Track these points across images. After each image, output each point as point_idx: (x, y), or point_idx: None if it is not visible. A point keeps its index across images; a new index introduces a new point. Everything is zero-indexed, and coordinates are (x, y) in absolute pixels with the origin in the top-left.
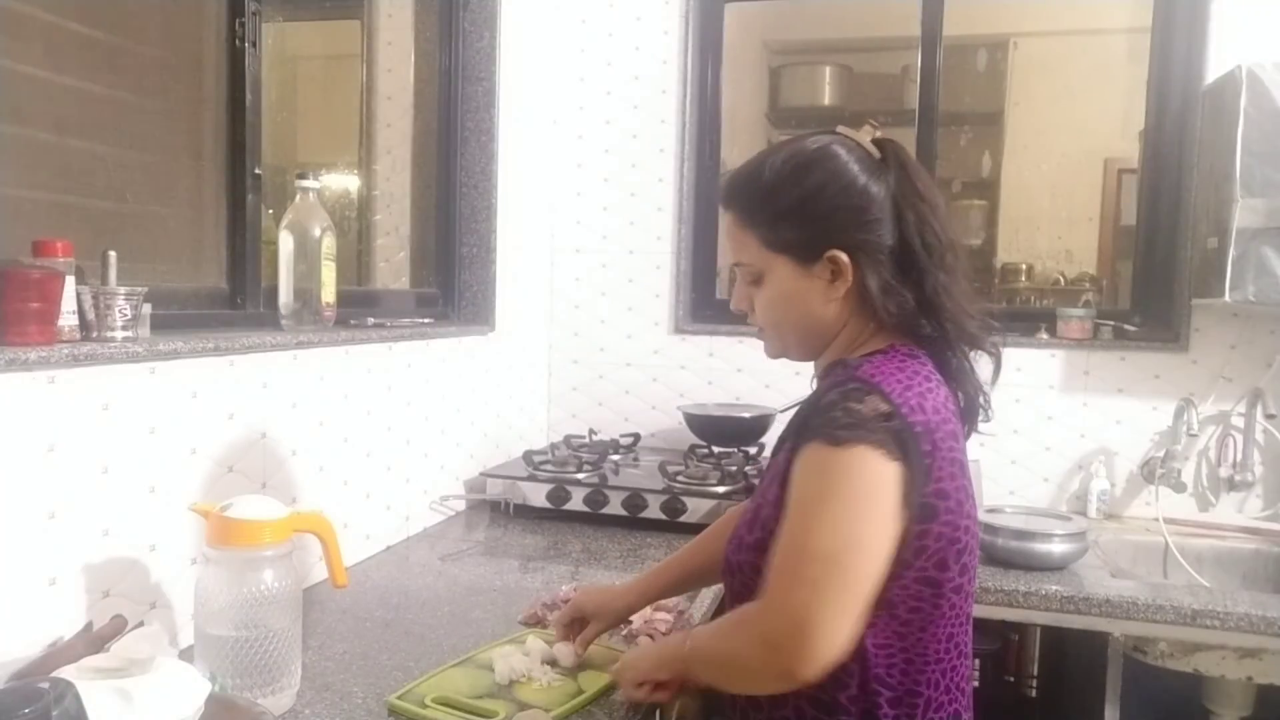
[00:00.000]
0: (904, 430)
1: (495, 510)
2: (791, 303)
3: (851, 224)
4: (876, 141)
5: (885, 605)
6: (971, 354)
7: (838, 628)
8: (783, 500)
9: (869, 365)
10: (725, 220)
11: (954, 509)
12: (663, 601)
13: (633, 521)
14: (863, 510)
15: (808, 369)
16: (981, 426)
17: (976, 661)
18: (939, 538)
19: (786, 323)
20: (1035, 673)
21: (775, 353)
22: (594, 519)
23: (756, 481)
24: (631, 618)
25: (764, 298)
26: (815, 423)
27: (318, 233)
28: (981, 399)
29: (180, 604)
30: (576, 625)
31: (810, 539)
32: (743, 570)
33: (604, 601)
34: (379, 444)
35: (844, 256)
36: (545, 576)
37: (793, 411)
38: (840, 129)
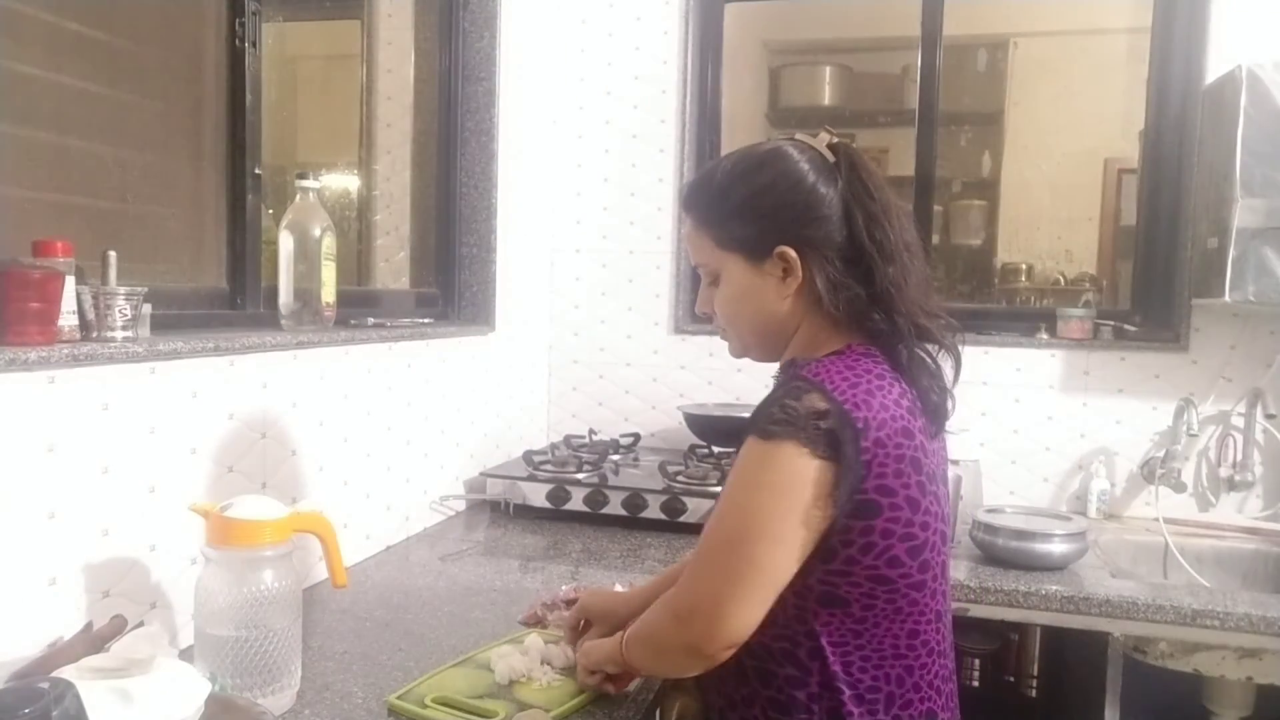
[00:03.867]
0: (839, 428)
1: (495, 510)
2: (745, 300)
3: (799, 220)
4: (831, 145)
5: (839, 602)
6: (936, 353)
7: (739, 608)
8: None
9: (817, 365)
10: (687, 227)
11: (901, 505)
12: None
13: (633, 521)
14: (774, 501)
15: None
16: (982, 425)
17: (976, 661)
18: (886, 534)
19: (742, 320)
20: (1035, 673)
21: (737, 352)
22: (594, 519)
23: None
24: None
25: (720, 297)
26: (755, 418)
27: (318, 233)
28: (942, 396)
29: (180, 604)
30: (582, 628)
31: (721, 524)
32: None
33: (609, 607)
34: (379, 444)
35: (792, 252)
36: (545, 576)
37: None
38: (796, 135)
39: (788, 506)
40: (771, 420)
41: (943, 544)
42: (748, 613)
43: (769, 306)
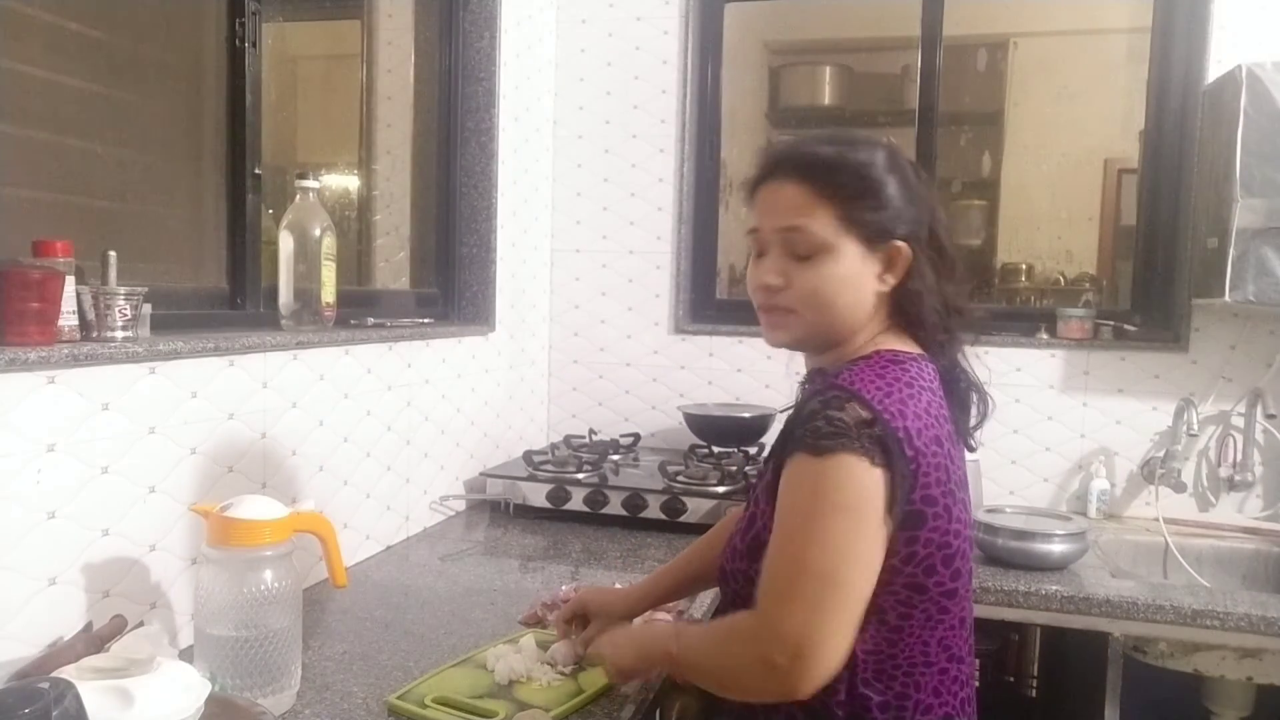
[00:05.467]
0: (886, 436)
1: (495, 510)
2: (846, 285)
3: (914, 220)
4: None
5: (875, 612)
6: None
7: (836, 645)
8: (773, 513)
9: (847, 373)
10: (788, 190)
11: (942, 514)
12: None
13: (633, 521)
14: (853, 523)
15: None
16: (982, 424)
17: (976, 661)
18: (928, 544)
19: (833, 305)
20: (1035, 673)
21: (790, 339)
22: (594, 519)
23: (756, 482)
24: (634, 620)
25: (817, 274)
26: (798, 434)
27: (318, 233)
28: (978, 402)
29: (180, 604)
30: (577, 623)
31: (804, 555)
32: (736, 578)
33: (607, 602)
34: (379, 444)
35: (907, 249)
36: (545, 576)
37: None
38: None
39: (866, 524)
40: (820, 435)
41: (970, 550)
42: (842, 646)
43: (864, 297)
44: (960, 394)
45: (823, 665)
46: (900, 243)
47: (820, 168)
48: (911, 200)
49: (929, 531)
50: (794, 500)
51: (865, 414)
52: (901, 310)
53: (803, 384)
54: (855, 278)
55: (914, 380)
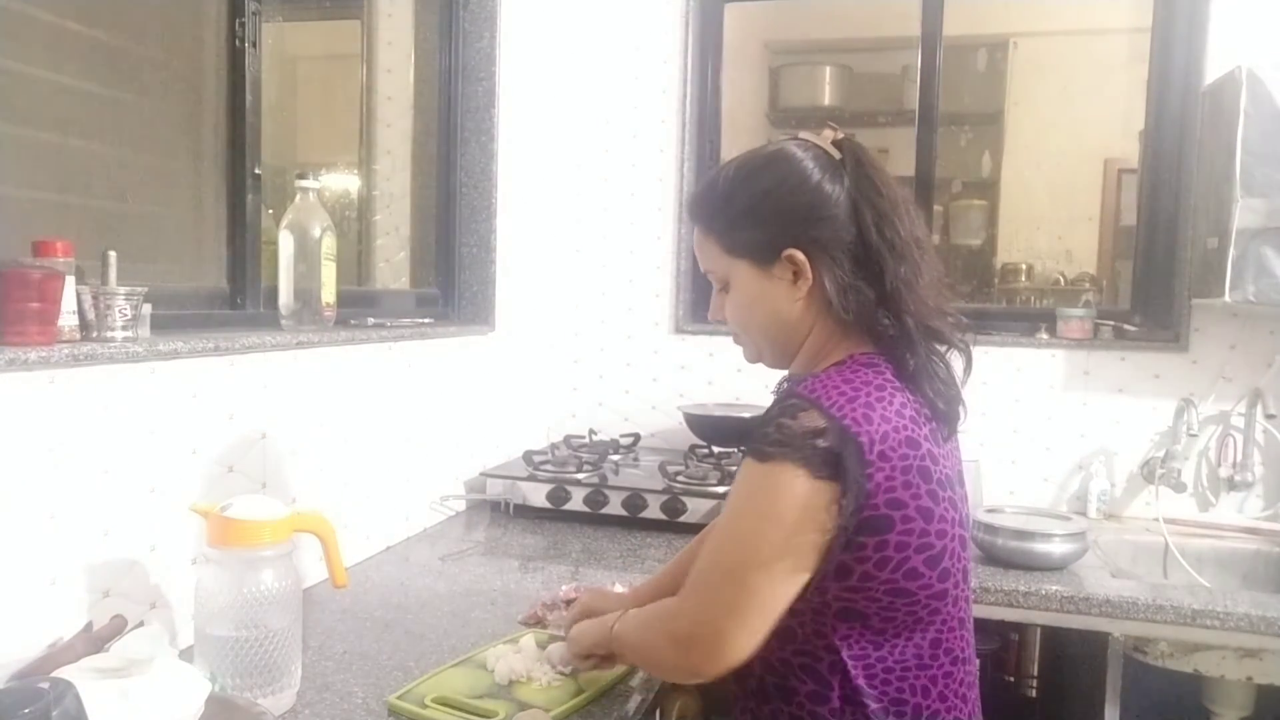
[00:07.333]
0: (839, 445)
1: (495, 510)
2: (757, 305)
3: (805, 221)
4: (836, 142)
5: (857, 617)
6: (946, 353)
7: (739, 635)
8: None
9: (813, 380)
10: (696, 235)
11: (914, 516)
12: None
13: (633, 521)
14: (771, 530)
15: None
16: (982, 425)
17: (976, 661)
18: (900, 547)
19: (754, 327)
20: (1035, 673)
21: (752, 358)
22: (594, 519)
23: None
24: None
25: (731, 303)
26: (752, 437)
27: (318, 233)
28: (952, 402)
29: (180, 604)
30: None
31: (721, 552)
32: None
33: (610, 607)
34: (379, 444)
35: (800, 255)
36: (545, 576)
37: None
38: (801, 134)
39: (785, 534)
40: (767, 441)
41: (962, 549)
42: (748, 639)
43: (780, 311)
44: (926, 398)
45: (725, 651)
46: (793, 250)
47: (699, 208)
48: (801, 205)
49: (899, 535)
50: (732, 501)
51: (819, 423)
52: (833, 311)
53: (773, 391)
54: (761, 296)
55: (886, 383)
